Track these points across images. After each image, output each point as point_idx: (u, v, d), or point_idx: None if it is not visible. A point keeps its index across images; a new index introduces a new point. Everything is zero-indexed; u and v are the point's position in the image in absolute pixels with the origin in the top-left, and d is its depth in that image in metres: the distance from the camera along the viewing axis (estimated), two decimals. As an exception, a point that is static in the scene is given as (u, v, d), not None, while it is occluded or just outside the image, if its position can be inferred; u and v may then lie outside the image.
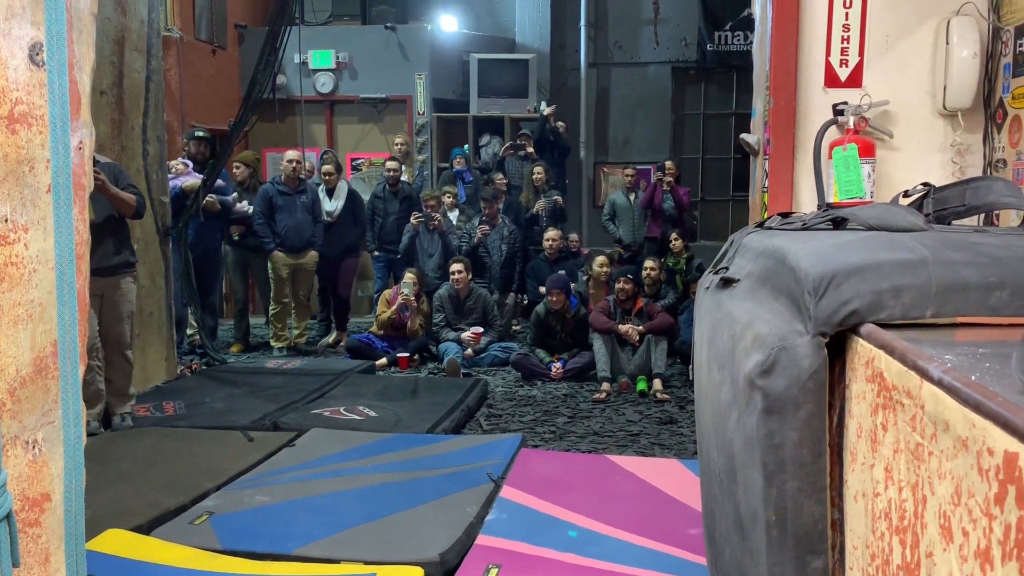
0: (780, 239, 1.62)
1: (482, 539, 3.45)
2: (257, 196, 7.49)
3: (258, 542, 3.42)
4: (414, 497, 3.86)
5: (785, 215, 1.95)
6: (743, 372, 1.38)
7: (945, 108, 2.19)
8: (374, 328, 7.50)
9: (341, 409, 5.37)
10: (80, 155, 2.00)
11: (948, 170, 2.22)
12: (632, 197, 9.18)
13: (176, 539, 3.46)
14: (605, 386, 6.05)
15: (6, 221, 1.76)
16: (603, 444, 4.98)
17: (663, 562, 3.24)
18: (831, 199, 2.19)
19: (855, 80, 2.23)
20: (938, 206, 1.68)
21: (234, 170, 7.59)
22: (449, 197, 8.58)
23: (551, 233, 8.01)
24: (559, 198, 8.68)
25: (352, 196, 8.01)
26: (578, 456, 4.60)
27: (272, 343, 7.66)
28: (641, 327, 6.27)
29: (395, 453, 4.50)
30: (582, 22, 10.72)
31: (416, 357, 7.14)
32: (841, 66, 2.23)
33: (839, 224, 1.67)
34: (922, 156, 2.24)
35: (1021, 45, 2.07)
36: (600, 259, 7.53)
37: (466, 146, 9.92)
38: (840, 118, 2.18)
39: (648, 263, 7.22)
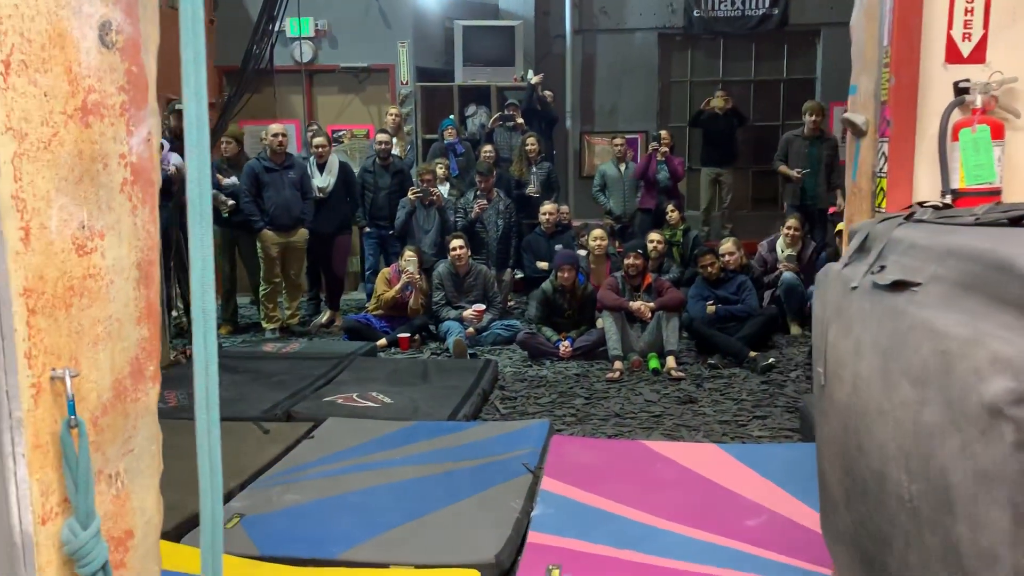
0: (973, 238, 1.46)
1: (534, 536, 3.31)
2: (243, 173, 7.18)
3: (298, 546, 3.24)
4: (452, 492, 3.70)
5: (936, 207, 1.80)
6: (976, 397, 1.23)
7: (1076, 86, 2.04)
8: (372, 307, 7.28)
9: (354, 396, 5.18)
10: (149, 148, 1.77)
11: (1077, 152, 2.09)
12: (623, 167, 9.03)
13: (210, 546, 3.26)
14: (617, 364, 5.92)
15: (83, 228, 1.54)
16: (627, 427, 4.86)
17: (726, 557, 3.13)
18: (955, 185, 2.04)
19: (978, 56, 2.08)
20: None
21: (222, 145, 7.25)
22: (442, 169, 8.33)
23: (547, 207, 7.82)
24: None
25: (344, 170, 7.73)
26: (612, 442, 4.47)
27: (263, 324, 7.41)
28: (652, 303, 6.14)
29: (422, 443, 4.32)
30: (567, -13, 10.45)
31: (417, 337, 6.94)
32: (964, 40, 2.07)
33: (1019, 222, 1.52)
34: (1048, 137, 2.10)
35: None
36: (597, 232, 7.37)
37: (452, 116, 9.64)
38: (967, 97, 2.03)
39: (653, 236, 7.09)
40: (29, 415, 1.39)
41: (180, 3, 1.51)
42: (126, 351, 1.67)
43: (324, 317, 7.89)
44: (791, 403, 5.22)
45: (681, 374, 5.83)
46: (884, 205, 2.11)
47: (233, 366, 5.82)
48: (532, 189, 8.38)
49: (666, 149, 8.70)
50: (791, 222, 7.29)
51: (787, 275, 7.00)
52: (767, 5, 10.40)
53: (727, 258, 6.67)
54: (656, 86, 10.85)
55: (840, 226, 7.15)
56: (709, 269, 6.53)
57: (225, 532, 3.40)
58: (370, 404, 5.06)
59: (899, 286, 1.56)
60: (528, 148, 8.44)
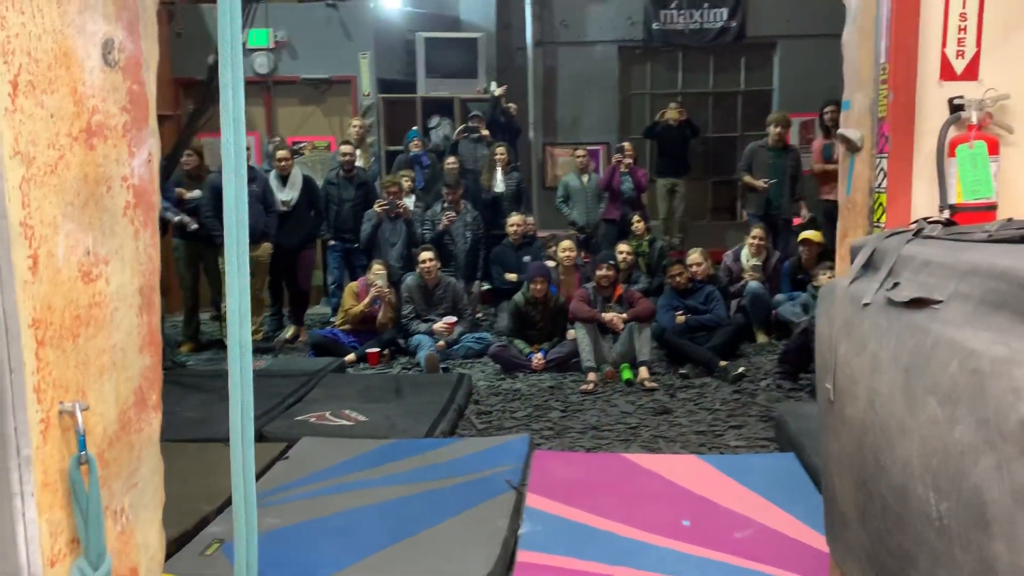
0: (994, 255, 1.48)
1: (523, 555, 3.28)
2: (205, 187, 7.04)
3: (284, 572, 3.16)
4: (436, 511, 3.65)
5: (942, 223, 1.82)
6: (1015, 416, 1.23)
7: (1068, 102, 2.08)
8: (339, 322, 7.18)
9: (327, 414, 5.09)
10: (150, 170, 1.71)
11: (1068, 168, 2.13)
12: (585, 179, 9.06)
13: (192, 573, 3.17)
14: (591, 376, 5.92)
15: (88, 254, 1.47)
16: (605, 439, 4.85)
17: (719, 571, 3.13)
18: (953, 200, 2.07)
19: (971, 73, 2.11)
20: None
21: (183, 159, 7.11)
22: (407, 181, 8.28)
23: (515, 218, 7.81)
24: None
25: (308, 183, 7.63)
26: (594, 456, 4.46)
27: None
28: (624, 314, 6.15)
29: (401, 462, 4.26)
30: (527, 0, 10.47)
31: (386, 352, 6.87)
32: (958, 58, 2.10)
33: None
34: (1040, 153, 2.14)
35: None
36: (566, 243, 7.38)
37: (415, 128, 9.59)
38: (963, 113, 2.06)
39: (622, 247, 7.12)
40: (38, 452, 1.33)
41: (219, 30, 1.46)
42: (130, 380, 1.61)
43: (288, 333, 7.77)
44: (764, 412, 5.26)
45: (654, 384, 5.85)
46: (884, 220, 2.13)
47: (199, 385, 5.68)
48: (499, 187, 8.37)
49: (630, 160, 8.76)
50: (756, 232, 7.39)
51: (752, 284, 7.08)
52: (725, 18, 10.55)
53: (695, 268, 6.73)
54: (617, 98, 10.93)
55: (804, 235, 7.28)
56: (678, 279, 6.57)
57: (205, 559, 3.33)
58: (344, 422, 4.98)
59: (919, 303, 1.57)
60: (498, 157, 8.43)
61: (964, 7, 2.10)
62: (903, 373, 1.56)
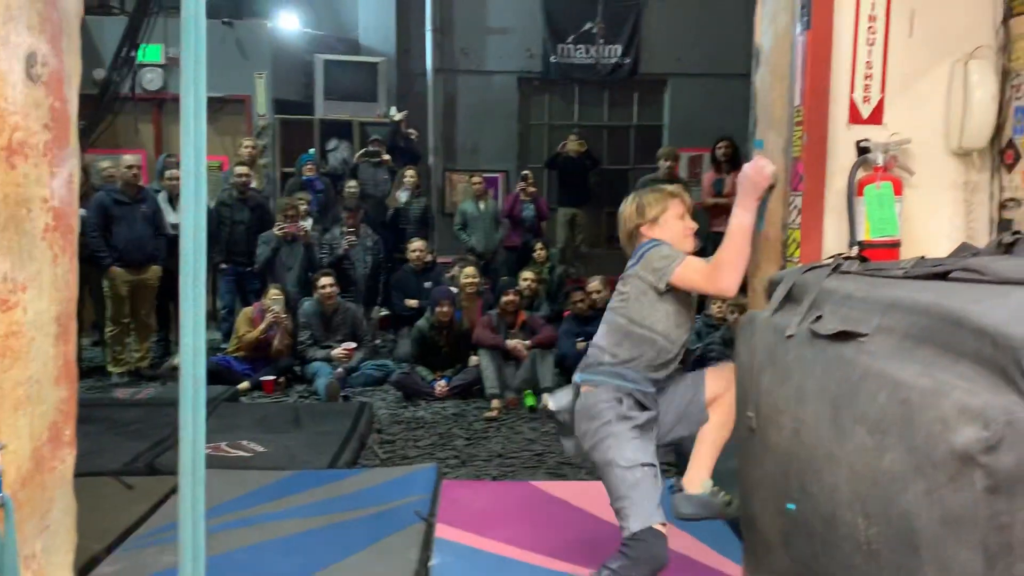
0: (914, 291, 1.57)
1: (436, 587, 3.23)
2: (91, 206, 6.70)
3: (184, 614, 2.99)
4: (345, 545, 3.56)
5: (858, 259, 1.92)
6: (944, 445, 1.30)
7: (960, 148, 2.24)
8: (231, 348, 6.93)
9: (223, 445, 4.89)
10: (70, 191, 1.62)
11: (960, 209, 2.29)
12: (482, 205, 9.12)
13: (82, 620, 2.97)
14: (495, 403, 5.92)
15: (6, 280, 1.37)
16: (511, 467, 4.85)
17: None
18: (861, 237, 2.19)
19: (876, 118, 2.25)
20: (1038, 256, 1.69)
21: (66, 177, 6.74)
22: (304, 205, 8.10)
23: (417, 243, 7.77)
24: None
25: (200, 205, 7.35)
26: (502, 485, 4.45)
27: (110, 368, 6.90)
28: (528, 342, 6.19)
29: (304, 494, 4.13)
30: (428, 27, 10.52)
31: (282, 379, 6.67)
32: (864, 103, 2.24)
33: (944, 276, 1.64)
34: (935, 194, 2.30)
35: (1040, 92, 2.17)
36: (469, 270, 7.37)
37: (312, 150, 9.43)
38: (870, 156, 2.19)
39: (525, 274, 7.18)
40: (-51, 496, 1.22)
41: (183, 57, 1.40)
42: (45, 415, 1.50)
43: (176, 359, 7.41)
44: (664, 438, 5.37)
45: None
46: (797, 255, 2.23)
47: (84, 415, 5.33)
48: (402, 197, 8.35)
49: (533, 189, 8.88)
50: (652, 261, 7.58)
51: (650, 313, 7.24)
52: (619, 55, 10.86)
53: (595, 296, 6.84)
54: (516, 127, 11.08)
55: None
56: (580, 306, 6.67)
57: (98, 603, 3.12)
58: (242, 453, 4.79)
59: (844, 336, 1.65)
60: (407, 180, 8.40)
61: (870, 56, 2.24)
62: (830, 403, 1.63)
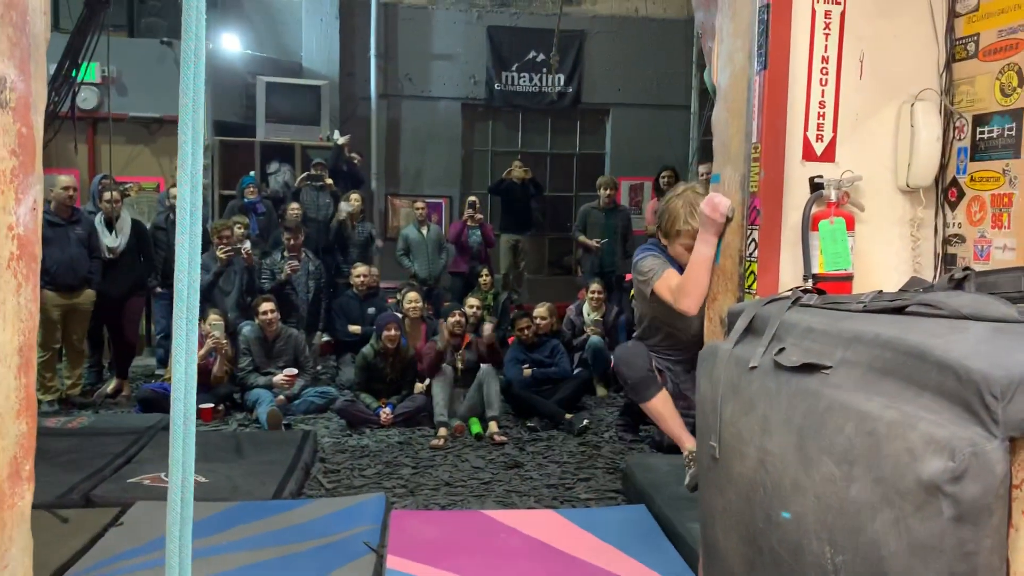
0: (875, 325, 1.62)
1: (389, 620, 3.18)
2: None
3: (127, 654, 2.89)
4: (294, 577, 3.48)
5: (816, 292, 1.98)
6: (912, 475, 1.35)
7: (908, 185, 2.34)
8: (168, 375, 6.75)
9: (162, 475, 4.73)
10: (34, 218, 1.57)
11: (908, 243, 2.38)
12: (425, 231, 9.12)
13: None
14: (442, 431, 5.88)
15: (-30, 312, 1.33)
16: (459, 496, 4.82)
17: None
18: (815, 270, 2.26)
19: (829, 155, 2.33)
20: (986, 290, 1.77)
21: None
22: (240, 228, 7.98)
23: (360, 268, 7.72)
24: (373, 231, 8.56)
25: (137, 227, 7.19)
26: (452, 514, 4.41)
27: (39, 395, 6.63)
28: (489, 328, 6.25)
29: (249, 525, 4.03)
30: (372, 52, 10.52)
31: (221, 407, 6.52)
32: (817, 141, 2.32)
33: (902, 311, 1.71)
34: (885, 229, 2.39)
35: (981, 132, 2.28)
36: (412, 295, 7.35)
37: (252, 173, 9.31)
38: (824, 191, 2.26)
39: (472, 301, 7.17)
40: (-90, 538, 1.17)
41: (182, 81, 1.38)
42: (5, 451, 1.45)
43: (110, 386, 7.21)
44: (610, 464, 5.43)
45: (503, 438, 5.89)
46: (756, 287, 2.29)
47: (12, 445, 5.15)
48: (345, 208, 8.31)
49: (480, 216, 8.92)
50: (595, 287, 7.67)
51: (594, 338, 7.32)
52: (562, 83, 11.03)
53: (540, 322, 6.89)
54: (459, 153, 11.12)
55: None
56: (526, 332, 6.69)
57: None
58: (183, 483, 4.65)
59: (808, 368, 1.70)
60: (353, 204, 8.36)
61: (823, 96, 2.32)
62: (796, 434, 1.68)
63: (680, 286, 2.73)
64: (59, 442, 5.36)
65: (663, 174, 8.50)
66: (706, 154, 10.44)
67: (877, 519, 1.43)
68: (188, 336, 1.28)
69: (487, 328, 6.31)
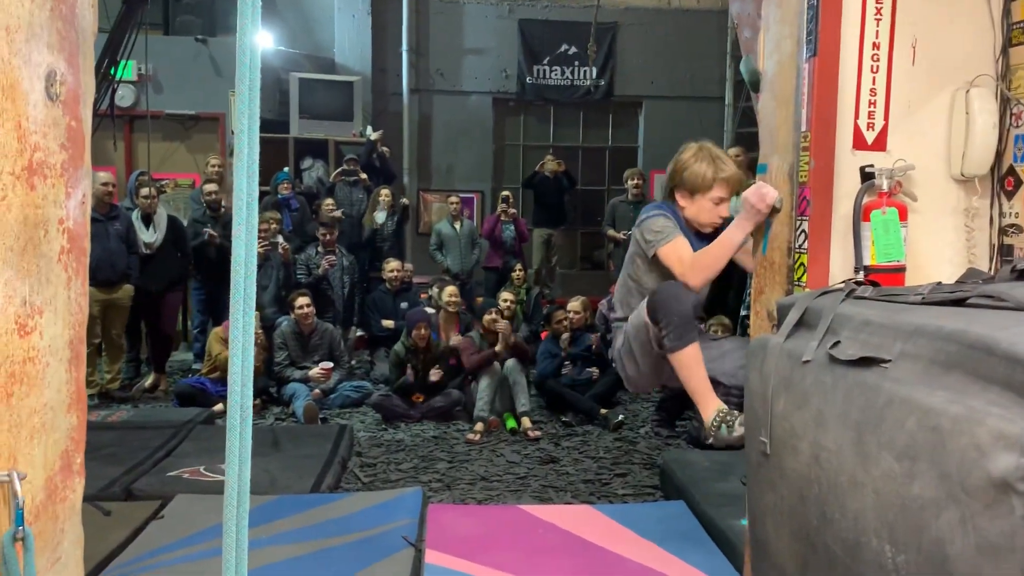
0: (936, 317, 1.57)
1: (428, 615, 3.17)
2: None
3: (170, 646, 2.92)
4: (335, 572, 3.49)
5: (868, 284, 1.93)
6: (980, 472, 1.30)
7: (962, 174, 2.27)
8: (206, 369, 6.82)
9: (201, 469, 4.79)
10: (83, 212, 1.57)
11: (962, 234, 2.32)
12: (458, 226, 9.12)
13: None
14: (479, 426, 5.88)
15: (25, 304, 1.33)
16: (496, 490, 4.81)
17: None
18: (867, 262, 2.20)
19: (880, 144, 2.27)
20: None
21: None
22: (274, 224, 8.02)
23: (393, 264, 7.73)
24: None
25: (174, 223, 7.27)
26: (490, 509, 4.40)
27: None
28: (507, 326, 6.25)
29: (288, 519, 4.06)
30: (404, 47, 10.53)
31: (258, 401, 6.56)
32: (868, 129, 2.26)
33: (963, 302, 1.66)
34: (938, 219, 2.32)
35: (1040, 120, 2.21)
36: (451, 289, 7.33)
37: (286, 169, 9.36)
38: (875, 181, 2.21)
39: (505, 295, 7.14)
40: (-32, 530, 1.17)
41: (237, 77, 1.37)
42: (57, 444, 1.45)
43: (148, 381, 7.30)
44: (647, 460, 5.38)
45: (537, 433, 5.87)
46: (805, 279, 2.24)
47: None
48: (379, 218, 8.34)
49: (514, 210, 8.91)
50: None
51: (628, 334, 7.25)
52: (594, 76, 10.96)
53: (573, 316, 6.84)
54: (491, 148, 11.10)
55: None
56: (563, 324, 6.65)
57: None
58: (221, 478, 4.67)
59: (866, 362, 1.65)
60: (383, 199, 8.38)
61: (874, 83, 2.26)
62: (853, 429, 1.63)
63: (696, 261, 2.56)
64: (99, 436, 5.41)
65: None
66: (741, 144, 10.27)
67: (942, 517, 1.38)
68: (244, 330, 1.27)
69: (500, 325, 6.26)
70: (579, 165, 11.34)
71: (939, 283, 1.81)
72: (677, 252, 2.63)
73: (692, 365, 2.56)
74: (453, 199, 9.32)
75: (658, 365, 2.68)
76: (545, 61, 10.91)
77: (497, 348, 6.16)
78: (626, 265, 2.90)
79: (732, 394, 2.65)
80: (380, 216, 8.41)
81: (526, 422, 5.99)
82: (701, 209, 2.75)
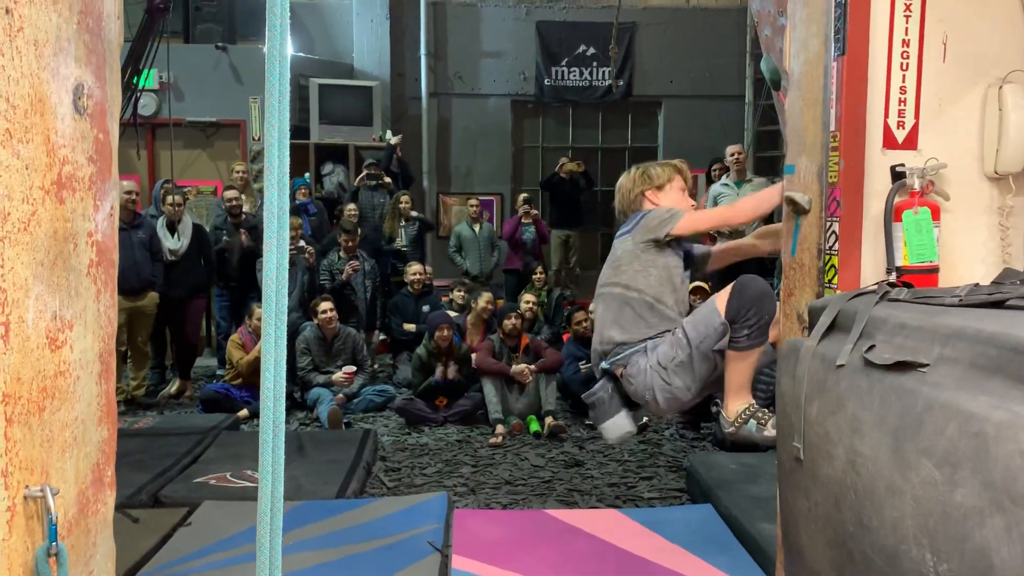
0: (976, 320, 1.54)
1: (456, 621, 3.16)
2: None
3: (200, 654, 2.92)
4: (360, 578, 3.48)
5: (903, 286, 1.90)
6: (1026, 479, 1.27)
7: (996, 172, 2.23)
8: (229, 375, 6.85)
9: (228, 475, 4.80)
10: (111, 224, 1.57)
11: (996, 233, 2.27)
12: (477, 228, 9.12)
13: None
14: (500, 429, 5.86)
15: (55, 318, 1.32)
16: (521, 494, 4.79)
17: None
18: (899, 263, 2.16)
19: (911, 142, 2.23)
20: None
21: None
22: (296, 230, 8.06)
23: (415, 267, 7.74)
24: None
25: (198, 230, 7.31)
26: (515, 513, 4.38)
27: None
28: (533, 366, 6.15)
29: (314, 525, 4.06)
30: (422, 51, 10.55)
31: (282, 406, 6.57)
32: (899, 128, 2.23)
33: (1002, 304, 1.63)
34: (970, 218, 2.28)
35: (1075, 116, 2.16)
36: (487, 295, 7.27)
37: (307, 175, 9.40)
38: (906, 180, 2.17)
39: (528, 298, 7.13)
40: (2, 546, 1.16)
41: (266, 84, 1.37)
42: (88, 457, 1.45)
43: (173, 387, 7.34)
44: (673, 462, 5.34)
45: (561, 422, 5.91)
46: (836, 281, 2.21)
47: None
48: (402, 240, 8.36)
49: (536, 212, 8.90)
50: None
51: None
52: (612, 77, 10.91)
53: (593, 316, 6.78)
54: (510, 150, 11.10)
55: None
56: (584, 325, 6.62)
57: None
58: (247, 484, 4.70)
59: (902, 366, 1.62)
60: (402, 205, 8.40)
61: (904, 81, 2.23)
62: (891, 435, 1.60)
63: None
64: (126, 443, 5.42)
65: (714, 167, 8.34)
66: (762, 143, 10.14)
67: (986, 525, 1.35)
68: (276, 343, 1.26)
69: (523, 368, 6.24)
70: (599, 166, 11.30)
71: (976, 284, 1.78)
72: (696, 216, 2.78)
73: (752, 361, 2.60)
74: (473, 201, 9.33)
75: (712, 369, 2.68)
76: (563, 62, 10.89)
77: (513, 373, 6.12)
78: (612, 284, 2.87)
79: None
80: (403, 238, 8.43)
81: (550, 420, 5.96)
82: (674, 199, 2.88)
